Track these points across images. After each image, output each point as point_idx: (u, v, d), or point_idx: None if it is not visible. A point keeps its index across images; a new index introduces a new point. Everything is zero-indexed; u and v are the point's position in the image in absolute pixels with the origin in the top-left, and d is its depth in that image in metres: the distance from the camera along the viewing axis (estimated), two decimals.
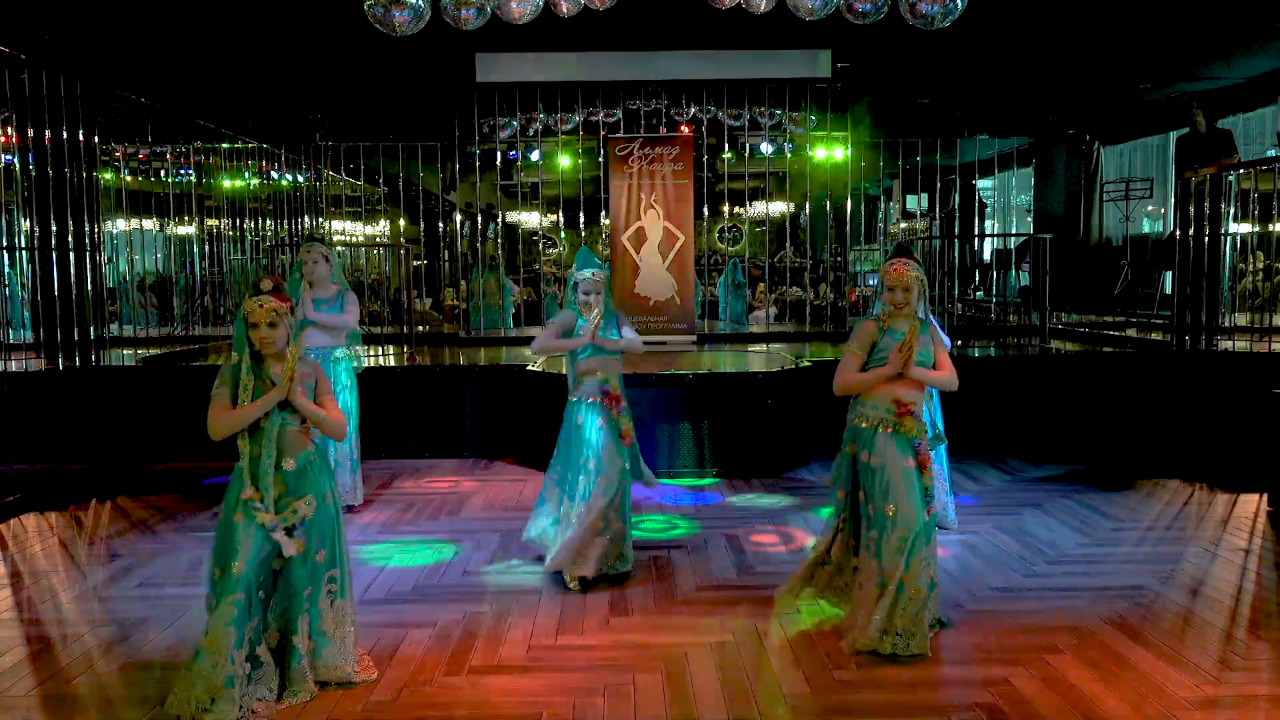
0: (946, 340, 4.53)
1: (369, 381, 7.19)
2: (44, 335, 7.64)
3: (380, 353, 9.03)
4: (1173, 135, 11.72)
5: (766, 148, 11.85)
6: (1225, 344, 7.26)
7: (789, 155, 13.74)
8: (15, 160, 7.54)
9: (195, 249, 11.49)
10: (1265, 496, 5.81)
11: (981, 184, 15.05)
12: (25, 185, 7.50)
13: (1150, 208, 13.55)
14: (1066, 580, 4.53)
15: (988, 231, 16.38)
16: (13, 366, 7.16)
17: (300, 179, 11.97)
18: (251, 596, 3.22)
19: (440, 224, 16.14)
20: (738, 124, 10.93)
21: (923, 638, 3.61)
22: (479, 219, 13.22)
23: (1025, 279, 13.53)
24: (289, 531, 3.26)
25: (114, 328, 9.32)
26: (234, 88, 10.41)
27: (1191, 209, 7.47)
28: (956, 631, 3.88)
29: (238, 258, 11.47)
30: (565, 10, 6.66)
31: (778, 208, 16.87)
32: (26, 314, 8.45)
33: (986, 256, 15.92)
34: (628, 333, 4.62)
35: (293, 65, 9.76)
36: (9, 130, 7.61)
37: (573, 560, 4.44)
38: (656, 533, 5.44)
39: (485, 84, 10.24)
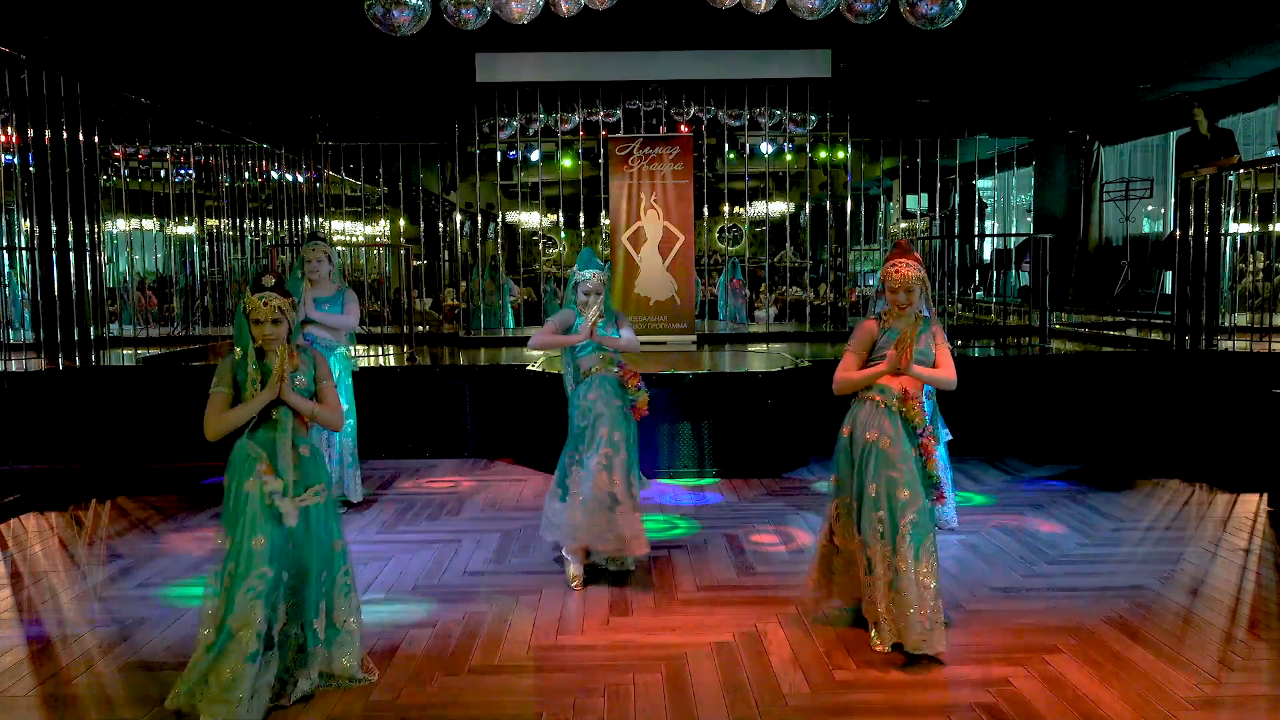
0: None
1: (369, 381, 7.20)
2: (44, 335, 7.64)
3: (380, 353, 9.03)
4: (1173, 135, 11.72)
5: (766, 148, 11.85)
6: (1225, 344, 7.25)
7: (789, 156, 13.75)
8: (15, 160, 7.53)
9: (195, 249, 11.48)
10: (1265, 496, 5.81)
11: (981, 184, 15.05)
12: (25, 185, 7.50)
13: (1150, 208, 13.55)
14: (1066, 580, 4.53)
15: (988, 231, 16.38)
16: (13, 366, 7.15)
17: (300, 179, 11.97)
18: (278, 574, 3.22)
19: (440, 224, 16.15)
20: (738, 124, 10.93)
21: (941, 634, 3.60)
22: (479, 219, 13.21)
23: (1025, 279, 13.55)
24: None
25: (114, 328, 9.31)
26: (234, 88, 10.40)
27: (1191, 209, 7.46)
28: (956, 631, 3.87)
29: (238, 258, 11.47)
30: (565, 10, 6.66)
31: (778, 208, 16.87)
32: (26, 314, 8.44)
33: (986, 256, 15.93)
34: (625, 333, 4.63)
35: (293, 65, 9.75)
36: (9, 130, 7.60)
37: (572, 535, 4.46)
38: (656, 532, 5.43)
39: (485, 84, 10.23)
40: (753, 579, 4.63)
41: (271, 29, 8.51)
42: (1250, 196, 7.83)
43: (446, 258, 16.08)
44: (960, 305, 12.04)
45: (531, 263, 16.16)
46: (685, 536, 5.34)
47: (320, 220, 12.29)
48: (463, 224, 15.63)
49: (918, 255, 3.85)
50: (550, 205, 16.18)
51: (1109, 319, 10.60)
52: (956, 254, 12.59)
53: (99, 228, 7.91)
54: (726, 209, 15.59)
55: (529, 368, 7.47)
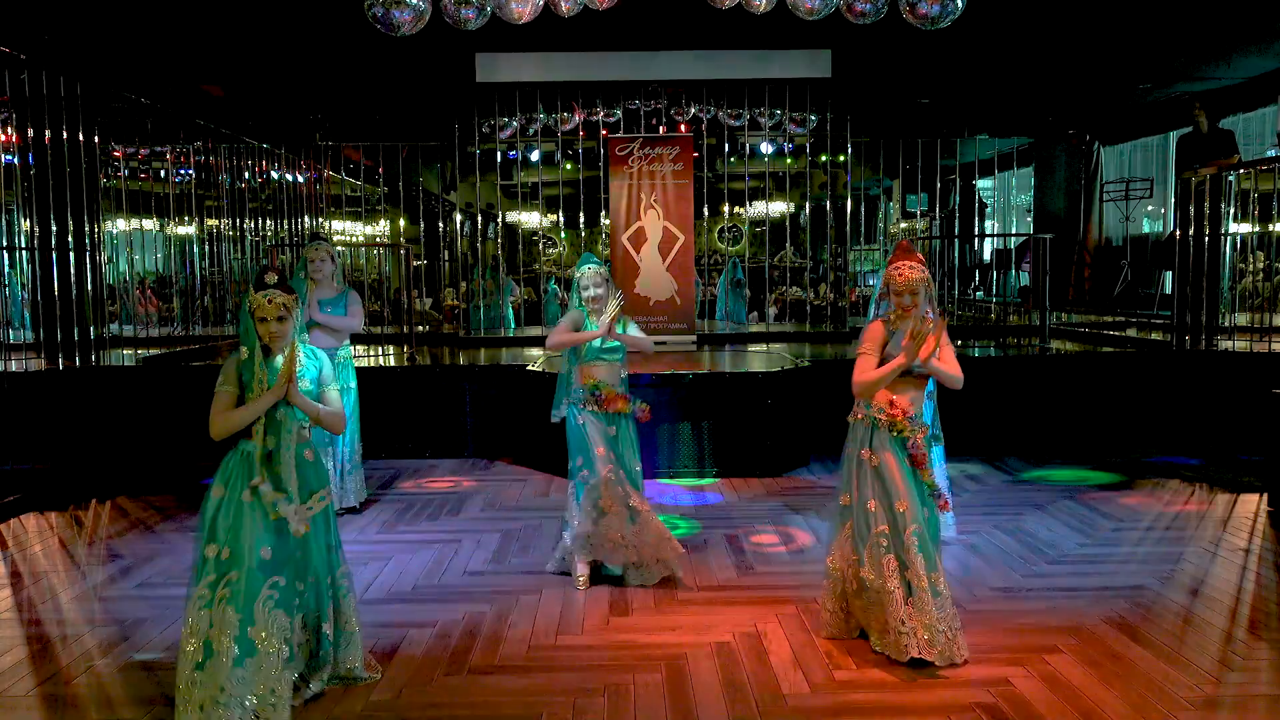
0: None
1: (369, 381, 7.20)
2: (44, 335, 7.64)
3: (380, 353, 9.03)
4: (1173, 135, 11.72)
5: (766, 148, 11.85)
6: (1225, 344, 7.25)
7: (788, 156, 13.74)
8: (15, 160, 7.53)
9: (195, 249, 11.48)
10: (1265, 496, 5.81)
11: (981, 184, 15.05)
12: (25, 185, 7.50)
13: (1150, 208, 13.54)
14: (1066, 580, 4.53)
15: (988, 231, 16.38)
16: (13, 366, 7.16)
17: (300, 179, 11.96)
18: (291, 581, 3.19)
19: (440, 224, 16.14)
20: (738, 124, 10.93)
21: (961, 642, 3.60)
22: (479, 219, 13.21)
23: (1025, 279, 13.54)
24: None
25: (114, 327, 9.31)
26: (234, 87, 10.40)
27: (1191, 209, 7.47)
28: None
29: (238, 258, 11.46)
30: (565, 10, 6.65)
31: (778, 208, 16.87)
32: (26, 314, 8.44)
33: (986, 256, 15.92)
34: (635, 330, 4.63)
35: (293, 65, 9.75)
36: (9, 130, 7.60)
37: (586, 549, 4.47)
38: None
39: (485, 84, 10.23)
40: (753, 579, 4.63)
41: (271, 29, 8.51)
42: (1250, 196, 7.84)
43: (446, 258, 16.07)
44: (960, 305, 12.03)
45: (531, 263, 16.16)
46: (685, 536, 5.34)
47: (320, 220, 12.29)
48: (463, 224, 15.62)
49: (921, 256, 3.83)
50: (550, 205, 16.17)
51: (1109, 319, 10.60)
52: (956, 254, 12.59)
53: (99, 228, 7.91)
54: (726, 209, 15.58)
55: (529, 368, 7.47)
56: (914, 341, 3.55)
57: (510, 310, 12.36)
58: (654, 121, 10.89)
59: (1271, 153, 10.52)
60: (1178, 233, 7.85)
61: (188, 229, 11.43)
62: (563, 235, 15.53)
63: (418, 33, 6.55)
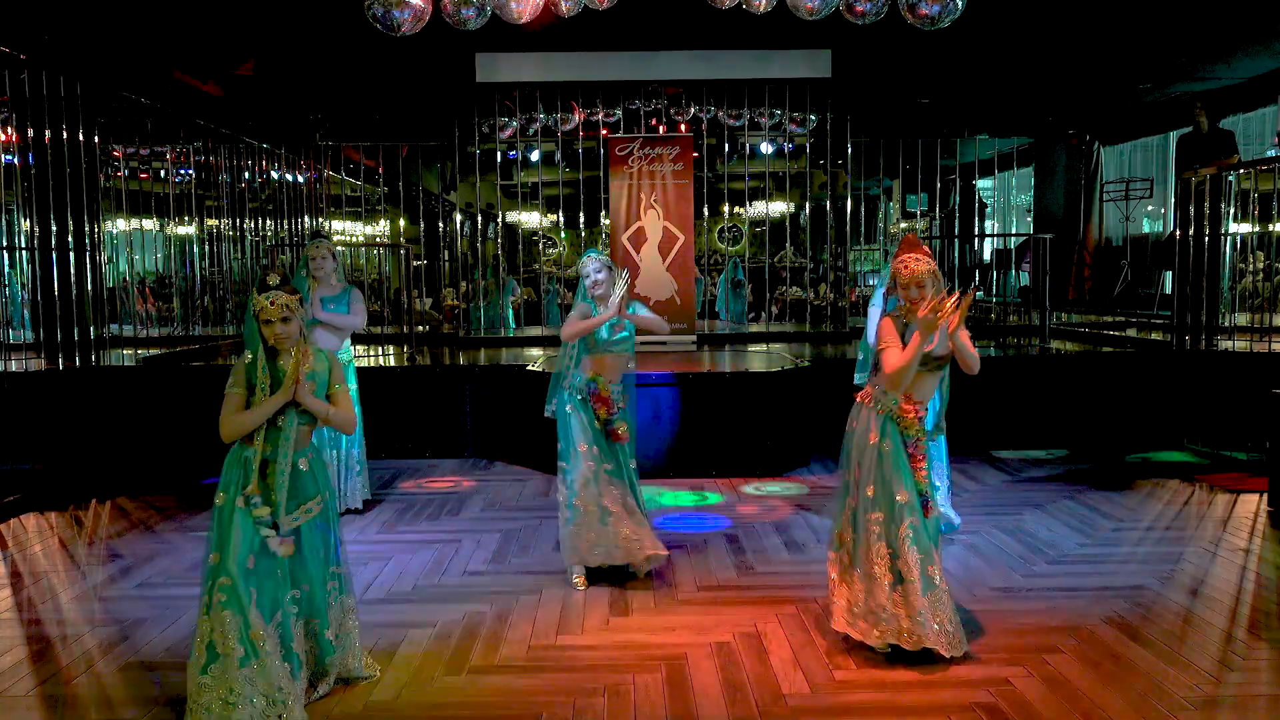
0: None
1: (369, 381, 7.19)
2: (44, 335, 7.64)
3: (380, 353, 9.03)
4: (1173, 135, 11.72)
5: (766, 148, 11.85)
6: (1225, 344, 7.25)
7: (788, 157, 13.74)
8: (15, 160, 7.53)
9: (195, 249, 11.48)
10: (1265, 496, 5.81)
11: (981, 184, 15.05)
12: (25, 185, 7.50)
13: (1150, 208, 13.54)
14: (1066, 580, 4.53)
15: (988, 231, 16.38)
16: (13, 366, 7.15)
17: (300, 179, 11.96)
18: (283, 587, 3.20)
19: (440, 224, 16.14)
20: (738, 124, 10.93)
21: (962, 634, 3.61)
22: (479, 219, 13.21)
23: (1025, 279, 13.54)
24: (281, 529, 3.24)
25: (114, 327, 9.32)
26: (234, 87, 10.40)
27: (1191, 209, 7.47)
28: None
29: (238, 258, 11.46)
30: (565, 10, 6.65)
31: (778, 208, 16.87)
32: (26, 314, 8.44)
33: (986, 256, 15.92)
34: (644, 310, 4.61)
35: (293, 65, 9.75)
36: (9, 130, 7.60)
37: (571, 550, 4.47)
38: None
39: (485, 84, 10.24)
40: (753, 579, 4.63)
41: (271, 29, 8.51)
42: (1250, 196, 7.84)
43: (446, 258, 16.07)
44: None
45: (531, 263, 16.16)
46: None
47: (320, 220, 12.28)
48: (463, 224, 15.62)
49: (927, 249, 3.79)
50: (550, 205, 16.16)
51: (1109, 319, 10.60)
52: (956, 254, 12.59)
53: (99, 228, 7.91)
54: (726, 209, 15.58)
55: (529, 368, 7.47)
56: (937, 311, 3.40)
57: (510, 310, 12.36)
58: (654, 121, 10.89)
59: (1271, 153, 10.52)
60: (1178, 233, 7.85)
61: (188, 229, 11.42)
62: (563, 235, 15.53)
63: (418, 33, 6.55)
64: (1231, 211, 7.76)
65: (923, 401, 3.75)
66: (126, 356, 8.18)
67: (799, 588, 4.44)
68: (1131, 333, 9.07)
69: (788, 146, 11.97)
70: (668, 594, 4.41)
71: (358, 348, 8.43)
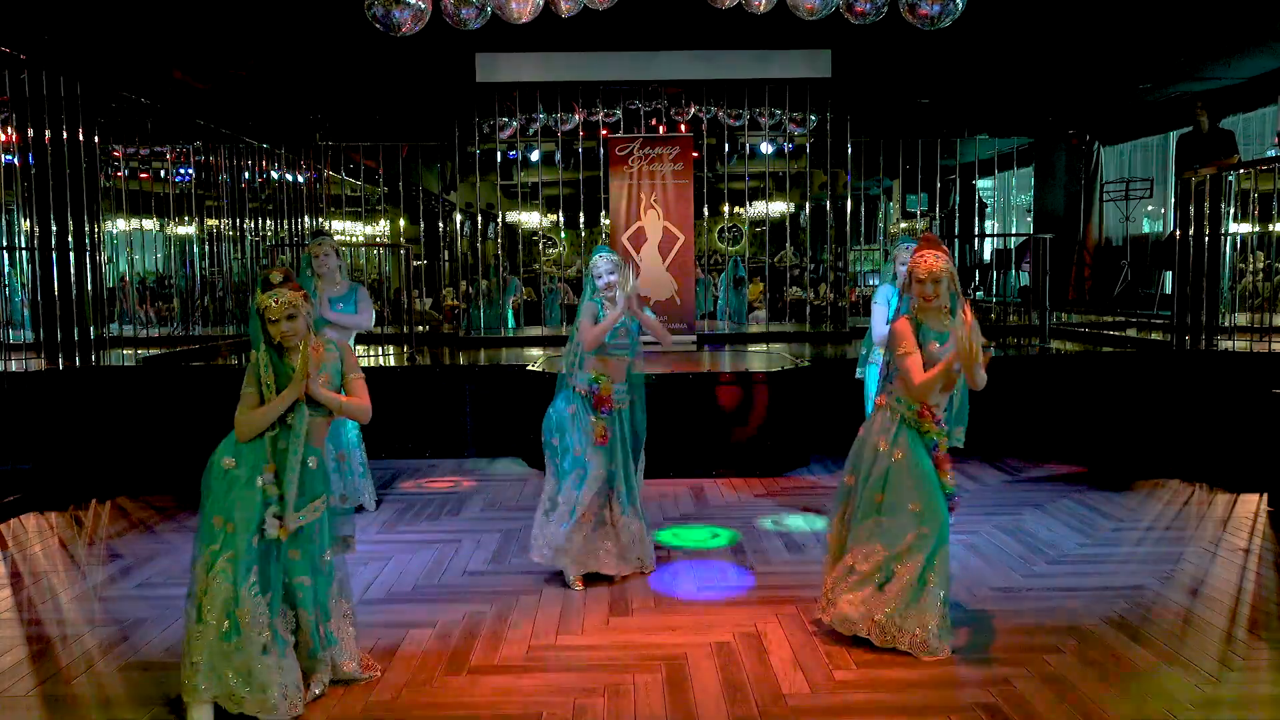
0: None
1: (369, 382, 7.18)
2: (44, 335, 7.64)
3: (380, 353, 9.03)
4: (1173, 135, 11.72)
5: (766, 148, 11.85)
6: (1225, 344, 7.25)
7: (788, 157, 13.73)
8: (15, 160, 7.53)
9: (195, 249, 11.48)
10: (1265, 496, 5.81)
11: (981, 184, 15.05)
12: (25, 185, 7.49)
13: (1150, 208, 13.54)
14: (1066, 580, 4.53)
15: (988, 231, 16.37)
16: (13, 366, 7.15)
17: (300, 179, 11.96)
18: (278, 573, 3.22)
19: (440, 224, 16.14)
20: (738, 124, 10.93)
21: (946, 636, 3.63)
22: (479, 219, 13.20)
23: (1025, 279, 13.54)
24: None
25: (114, 327, 9.32)
26: (234, 88, 10.40)
27: (1191, 209, 7.46)
28: (957, 631, 3.86)
29: (238, 258, 11.46)
30: (565, 10, 6.65)
31: (778, 208, 16.86)
32: (26, 314, 8.44)
33: (986, 256, 15.93)
34: (651, 315, 4.60)
35: (293, 65, 9.75)
36: (9, 130, 7.60)
37: (561, 552, 4.46)
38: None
39: (485, 84, 10.23)
40: (753, 579, 4.63)
41: (271, 29, 8.51)
42: (1250, 196, 7.83)
43: (446, 258, 16.06)
44: None
45: (531, 263, 16.16)
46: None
47: (320, 220, 12.28)
48: (463, 224, 15.62)
49: (945, 247, 3.78)
50: (550, 205, 16.16)
51: (1109, 319, 10.60)
52: (956, 254, 12.57)
53: (99, 228, 7.91)
54: (726, 209, 15.59)
55: (529, 368, 7.47)
56: (968, 339, 3.48)
57: (510, 310, 12.36)
58: (654, 121, 10.89)
59: (1271, 153, 10.52)
60: (1178, 233, 7.85)
61: (188, 229, 11.42)
62: (563, 235, 15.53)
63: (418, 33, 6.54)
64: (1231, 211, 7.75)
65: (939, 405, 3.73)
66: (126, 356, 8.17)
67: (799, 588, 4.45)
68: (1131, 333, 9.07)
69: (788, 146, 11.96)
70: (668, 594, 4.41)
71: (359, 348, 8.43)
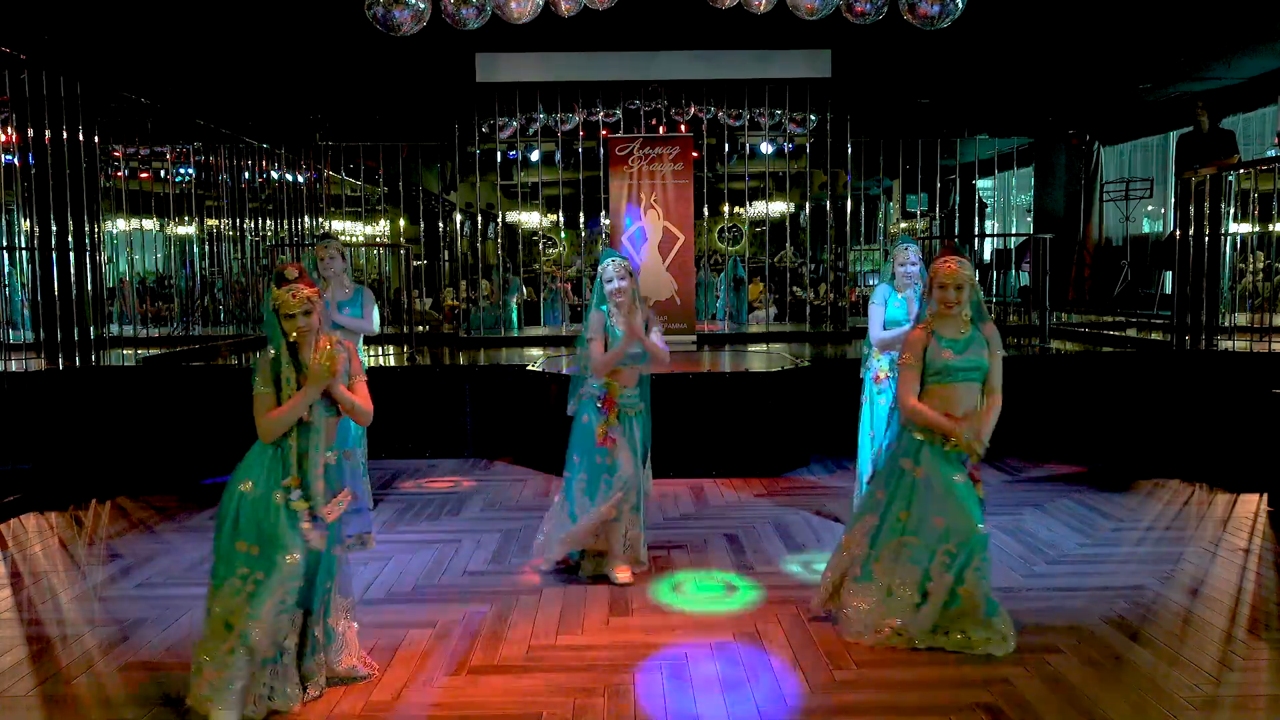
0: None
1: (369, 382, 7.19)
2: (44, 335, 7.64)
3: (380, 353, 9.03)
4: (1173, 135, 11.72)
5: (766, 148, 11.85)
6: (1225, 344, 7.25)
7: (788, 157, 13.74)
8: (15, 160, 7.53)
9: (195, 249, 11.48)
10: (1265, 496, 5.81)
11: (981, 184, 15.04)
12: (25, 185, 7.49)
13: (1150, 208, 13.54)
14: (1066, 580, 4.53)
15: (988, 231, 16.37)
16: (13, 366, 7.15)
17: (300, 179, 11.96)
18: (304, 588, 3.24)
19: (440, 224, 16.14)
20: (738, 124, 10.93)
21: (1007, 637, 3.64)
22: (479, 219, 13.21)
23: (1025, 279, 13.54)
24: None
25: (114, 328, 9.32)
26: (234, 88, 10.40)
27: (1191, 209, 7.46)
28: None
29: (238, 258, 11.46)
30: (565, 10, 6.65)
31: (778, 208, 16.86)
32: (26, 314, 8.44)
33: (986, 256, 15.93)
34: (656, 336, 4.57)
35: (293, 65, 9.75)
36: (9, 130, 7.59)
37: (587, 538, 4.51)
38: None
39: (485, 84, 10.24)
40: (753, 579, 4.63)
41: (271, 29, 8.51)
42: (1250, 196, 7.83)
43: (446, 258, 16.06)
44: None
45: (531, 263, 16.16)
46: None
47: (320, 220, 12.28)
48: (463, 224, 15.62)
49: (965, 258, 3.78)
50: (550, 205, 16.16)
51: (1109, 319, 10.60)
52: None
53: (99, 228, 7.91)
54: (726, 209, 15.60)
55: (529, 368, 7.48)
56: (972, 440, 3.63)
57: (515, 310, 12.37)
58: (654, 121, 10.89)
59: (1271, 153, 10.52)
60: (1178, 233, 7.85)
61: (188, 229, 11.42)
62: (563, 235, 15.53)
63: (418, 33, 6.54)
64: (1231, 211, 7.75)
65: (965, 417, 3.70)
66: (126, 356, 8.18)
67: (799, 588, 4.45)
68: (1131, 333, 9.07)
69: (788, 146, 11.97)
70: (668, 594, 4.41)
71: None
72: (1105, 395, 7.37)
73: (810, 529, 5.47)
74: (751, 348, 9.69)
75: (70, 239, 7.57)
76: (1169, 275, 9.90)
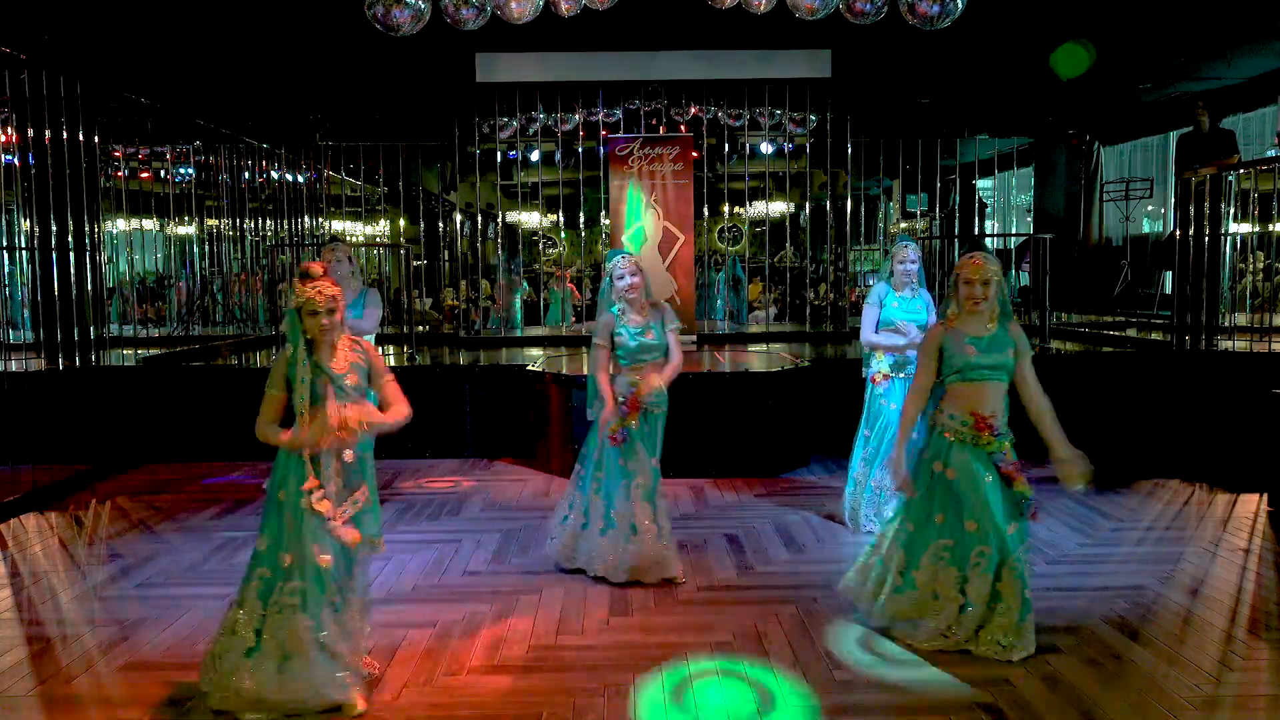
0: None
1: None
2: (44, 335, 7.64)
3: (380, 353, 9.01)
4: (1173, 135, 11.71)
5: (766, 148, 11.85)
6: (1225, 344, 7.25)
7: (788, 157, 13.74)
8: (15, 160, 7.53)
9: (195, 249, 11.48)
10: (1265, 496, 5.81)
11: (981, 184, 15.04)
12: (25, 185, 7.49)
13: (1150, 208, 13.54)
14: (1066, 580, 4.53)
15: (988, 231, 16.37)
16: (13, 366, 7.15)
17: (300, 179, 11.96)
18: (331, 592, 3.24)
19: (440, 224, 16.14)
20: (738, 124, 10.93)
21: (1029, 641, 3.61)
22: (479, 219, 13.21)
23: (1025, 279, 13.54)
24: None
25: (114, 328, 9.32)
26: (234, 88, 10.40)
27: (1191, 209, 7.46)
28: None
29: (238, 258, 11.46)
30: (565, 10, 6.65)
31: (778, 208, 16.86)
32: (26, 314, 8.44)
33: None
34: (671, 341, 4.55)
35: (293, 65, 9.75)
36: (9, 130, 7.60)
37: (598, 558, 4.51)
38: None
39: (485, 84, 10.23)
40: (753, 579, 4.63)
41: (271, 29, 8.51)
42: (1250, 196, 7.83)
43: (446, 258, 16.06)
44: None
45: (531, 263, 16.16)
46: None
47: (320, 220, 12.28)
48: (463, 224, 15.62)
49: (994, 255, 3.78)
50: (550, 205, 16.16)
51: (1109, 319, 10.60)
52: (956, 254, 12.55)
53: (99, 228, 7.91)
54: (726, 209, 15.60)
55: (529, 368, 7.48)
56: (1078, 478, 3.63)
57: (520, 310, 12.38)
58: (654, 121, 10.89)
59: (1271, 153, 10.52)
60: (1178, 233, 7.85)
61: (188, 229, 11.42)
62: (563, 235, 15.53)
63: (418, 33, 6.55)
64: (1231, 211, 7.75)
65: (994, 415, 3.66)
66: (126, 356, 8.18)
67: (799, 588, 4.45)
68: (1131, 333, 9.07)
69: (788, 146, 11.96)
70: (668, 594, 4.41)
71: None
72: (1105, 395, 7.36)
73: (810, 529, 5.47)
74: (751, 348, 9.69)
75: (70, 239, 7.57)
76: (1169, 275, 9.90)
